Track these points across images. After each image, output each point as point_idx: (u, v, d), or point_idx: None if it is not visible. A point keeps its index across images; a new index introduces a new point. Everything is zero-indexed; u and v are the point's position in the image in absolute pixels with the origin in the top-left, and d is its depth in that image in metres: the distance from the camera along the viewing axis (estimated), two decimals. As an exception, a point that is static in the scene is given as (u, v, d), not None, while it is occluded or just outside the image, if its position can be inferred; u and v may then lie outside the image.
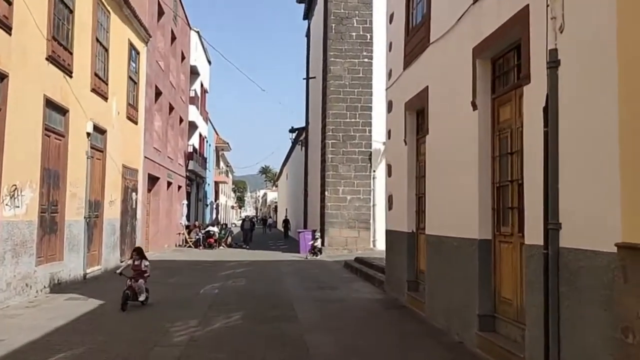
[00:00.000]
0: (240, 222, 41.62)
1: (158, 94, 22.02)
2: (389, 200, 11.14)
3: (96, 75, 13.35)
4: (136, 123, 17.68)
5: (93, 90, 13.16)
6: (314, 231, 23.45)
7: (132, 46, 16.84)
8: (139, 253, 9.60)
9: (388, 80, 11.41)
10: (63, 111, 11.39)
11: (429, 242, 8.22)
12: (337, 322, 8.28)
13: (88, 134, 12.81)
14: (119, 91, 15.46)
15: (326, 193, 22.36)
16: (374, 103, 22.60)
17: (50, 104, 10.65)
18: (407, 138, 9.73)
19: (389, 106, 11.26)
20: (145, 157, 19.14)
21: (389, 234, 11.08)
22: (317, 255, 20.80)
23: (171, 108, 24.77)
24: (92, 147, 13.19)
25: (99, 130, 13.85)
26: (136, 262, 9.35)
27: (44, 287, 10.41)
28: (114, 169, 15.15)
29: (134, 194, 17.47)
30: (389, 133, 11.25)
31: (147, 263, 9.51)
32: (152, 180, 21.59)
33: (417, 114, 9.66)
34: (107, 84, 14.21)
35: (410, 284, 9.49)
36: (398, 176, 10.40)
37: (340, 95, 22.66)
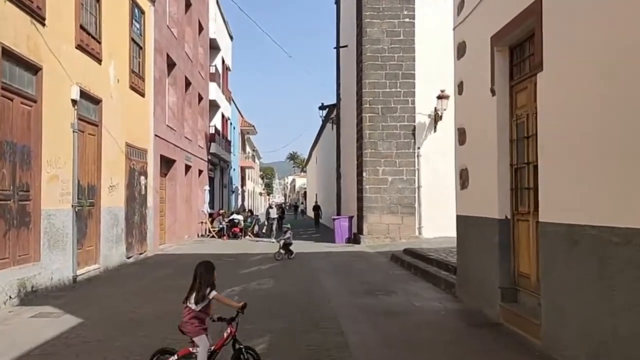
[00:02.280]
0: (266, 210, 27.38)
1: (171, 65, 19.45)
2: (461, 176, 8.29)
3: (83, 29, 10.76)
4: (143, 95, 15.13)
5: (79, 47, 10.59)
6: (350, 217, 20.69)
7: (134, 3, 14.22)
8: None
9: (457, 16, 8.51)
10: (33, 68, 8.83)
11: (549, 235, 5.35)
12: (407, 354, 5.55)
13: (74, 102, 10.26)
14: (118, 54, 12.89)
15: (364, 174, 19.53)
16: (417, 70, 19.62)
17: (9, 55, 8.07)
18: (497, 85, 6.85)
19: (460, 50, 8.37)
20: (157, 135, 16.61)
21: (463, 221, 8.23)
22: (281, 257, 14.58)
23: (188, 83, 22.21)
24: (81, 119, 10.67)
25: (91, 99, 11.31)
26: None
27: (9, 297, 7.92)
28: (114, 148, 12.63)
29: (142, 177, 14.97)
30: (459, 86, 8.36)
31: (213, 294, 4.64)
32: (167, 163, 19.12)
33: (512, 50, 6.79)
34: (99, 43, 11.63)
35: (505, 293, 6.66)
36: (478, 142, 7.54)
37: (378, 61, 19.71)
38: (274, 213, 25.06)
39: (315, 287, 9.88)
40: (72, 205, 10.21)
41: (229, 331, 4.61)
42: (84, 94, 10.67)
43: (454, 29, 8.72)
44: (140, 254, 14.73)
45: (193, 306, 4.54)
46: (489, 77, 6.99)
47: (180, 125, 20.72)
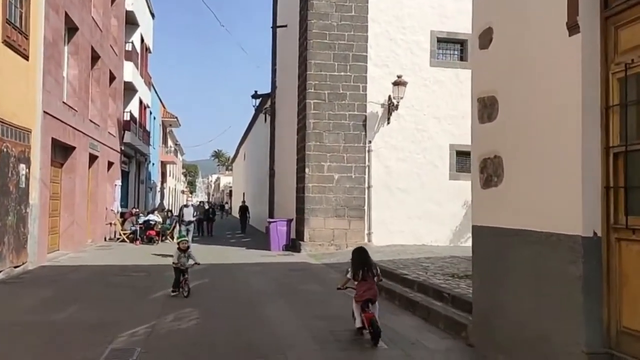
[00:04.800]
0: (179, 210, 21.37)
1: (72, 29, 15.69)
2: (484, 169, 5.62)
3: None
4: (27, 57, 11.46)
5: None
6: (289, 221, 17.75)
7: None
8: None
9: None
10: None
11: None
12: None
13: None
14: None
15: (307, 170, 16.68)
16: (370, 52, 17.05)
17: None
18: (582, 17, 4.19)
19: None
20: (47, 113, 12.88)
21: (490, 235, 5.50)
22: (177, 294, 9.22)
23: (96, 56, 18.37)
24: None
25: None
26: None
27: None
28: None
29: (21, 166, 11.29)
30: (484, 36, 5.66)
31: None
32: (64, 150, 15.33)
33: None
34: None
35: (594, 360, 4.02)
36: (526, 114, 4.86)
37: (326, 39, 16.94)
38: (189, 214, 17.54)
39: (259, 325, 6.85)
40: None
41: None
42: None
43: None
44: (16, 266, 11.07)
45: None
46: (561, 6, 4.34)
47: (84, 105, 16.93)
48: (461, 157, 17.58)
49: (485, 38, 5.67)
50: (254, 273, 11.94)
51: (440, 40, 17.61)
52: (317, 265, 13.57)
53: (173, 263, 8.95)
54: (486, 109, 5.65)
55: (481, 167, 5.74)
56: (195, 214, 16.63)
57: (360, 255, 6.48)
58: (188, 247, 9.11)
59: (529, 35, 4.84)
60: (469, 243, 17.39)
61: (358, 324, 6.21)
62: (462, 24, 17.59)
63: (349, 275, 6.46)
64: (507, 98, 5.25)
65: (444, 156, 17.45)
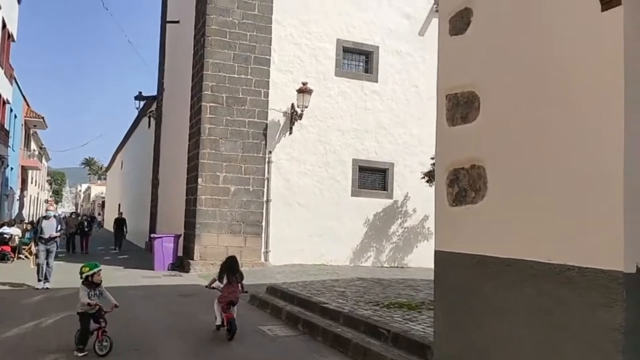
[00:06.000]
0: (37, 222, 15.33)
1: None
2: (454, 181, 4.55)
3: None
4: None
5: None
6: (177, 237, 15.76)
7: None
8: None
9: None
10: None
11: None
12: None
13: None
14: None
15: (199, 181, 14.91)
16: (274, 55, 15.82)
17: None
18: (623, -14, 3.26)
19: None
20: None
21: (465, 264, 4.40)
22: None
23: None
24: None
25: None
26: None
27: None
28: None
29: None
30: (459, 16, 4.62)
31: None
32: None
33: None
34: None
35: None
36: (535, 112, 3.85)
37: (226, 38, 15.41)
38: (50, 228, 11.63)
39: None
40: None
41: None
42: None
43: None
44: None
45: None
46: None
47: None
48: (364, 173, 16.90)
49: (460, 21, 4.64)
50: (138, 299, 9.97)
51: (346, 50, 16.86)
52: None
53: (80, 306, 6.01)
54: (459, 107, 4.60)
55: (450, 179, 4.66)
56: (59, 227, 12.11)
57: (229, 262, 7.53)
58: (101, 281, 6.25)
59: (533, 15, 3.86)
60: (369, 263, 16.85)
61: (218, 322, 7.07)
62: (369, 35, 17.09)
63: (215, 277, 7.57)
64: (494, 93, 4.23)
65: (346, 171, 16.60)
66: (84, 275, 6.12)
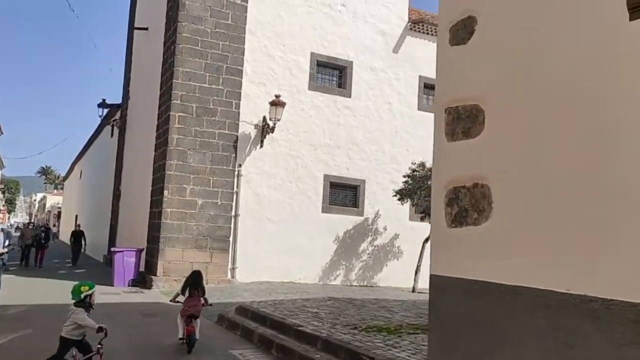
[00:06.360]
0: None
1: None
2: (454, 200, 4.24)
3: None
4: None
5: None
6: (139, 251, 15.02)
7: None
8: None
9: None
10: None
11: None
12: None
13: None
14: None
15: (165, 193, 14.28)
16: (247, 66, 15.44)
17: None
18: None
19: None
20: None
21: (466, 291, 4.04)
22: None
23: None
24: None
25: None
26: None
27: None
28: None
29: None
30: (461, 25, 4.33)
31: None
32: None
33: None
34: None
35: None
36: (552, 127, 3.59)
37: (198, 46, 14.95)
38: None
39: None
40: None
41: None
42: None
43: None
44: None
45: None
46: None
47: None
48: (335, 189, 16.58)
49: (462, 30, 4.36)
50: (96, 317, 9.27)
51: (320, 64, 16.62)
52: (175, 306, 11.22)
53: (74, 329, 5.25)
54: (460, 121, 4.30)
55: (449, 198, 4.34)
56: (6, 243, 10.87)
57: (193, 277, 7.67)
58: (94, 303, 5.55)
59: (546, 24, 3.61)
60: (338, 281, 16.42)
61: (180, 335, 7.16)
62: (343, 50, 16.91)
63: (178, 291, 7.63)
64: (502, 107, 3.95)
65: (317, 187, 16.25)
66: (82, 295, 5.33)
